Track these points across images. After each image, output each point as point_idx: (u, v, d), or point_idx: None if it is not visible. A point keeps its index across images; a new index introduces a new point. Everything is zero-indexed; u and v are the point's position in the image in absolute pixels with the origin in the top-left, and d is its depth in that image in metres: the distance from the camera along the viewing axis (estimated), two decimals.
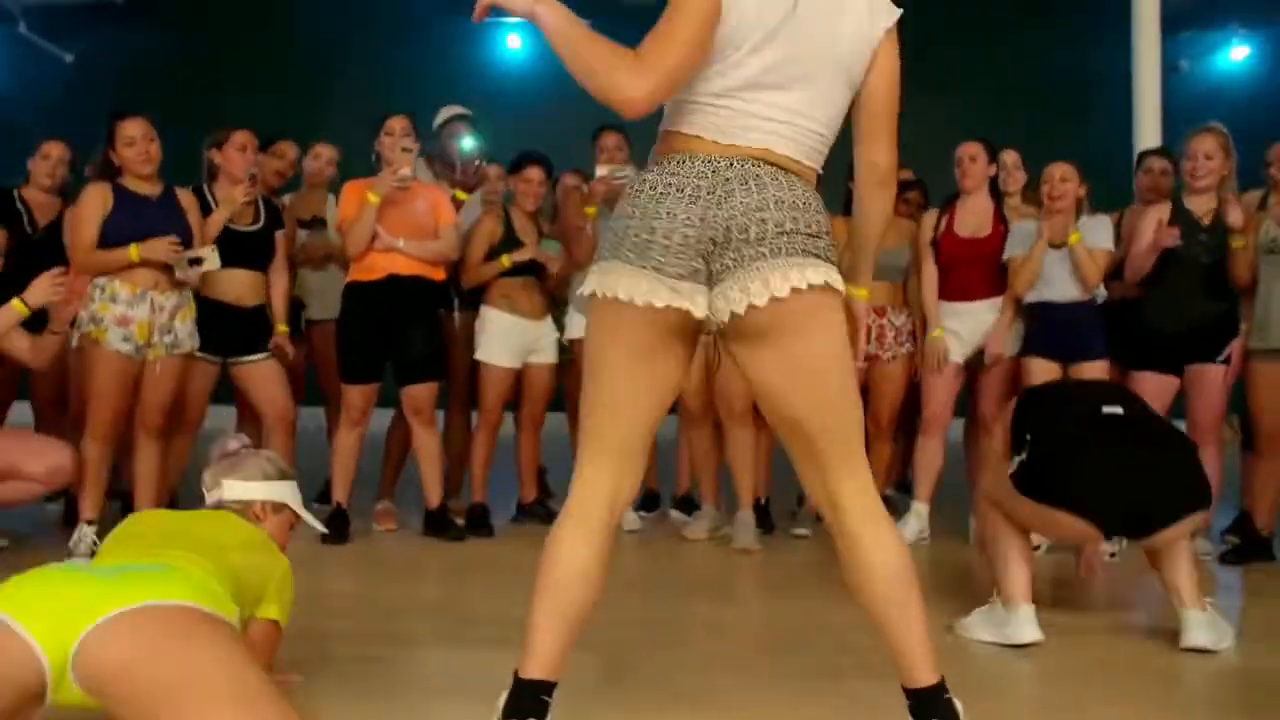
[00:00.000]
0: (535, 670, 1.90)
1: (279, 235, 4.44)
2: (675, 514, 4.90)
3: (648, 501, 5.03)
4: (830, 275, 1.89)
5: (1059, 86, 8.12)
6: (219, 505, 2.42)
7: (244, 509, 2.42)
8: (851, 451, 1.95)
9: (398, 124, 4.30)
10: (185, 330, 4.00)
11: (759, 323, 1.87)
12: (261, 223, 4.36)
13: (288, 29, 9.20)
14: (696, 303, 1.88)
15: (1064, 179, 4.26)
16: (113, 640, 1.72)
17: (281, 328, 4.41)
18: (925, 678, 1.92)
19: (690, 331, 1.95)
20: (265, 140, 4.65)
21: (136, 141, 3.96)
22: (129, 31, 9.11)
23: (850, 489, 1.94)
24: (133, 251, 3.85)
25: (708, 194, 1.88)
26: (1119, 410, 3.02)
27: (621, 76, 1.82)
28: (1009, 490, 3.02)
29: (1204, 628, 2.91)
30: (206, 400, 4.34)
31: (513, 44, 9.87)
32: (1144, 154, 4.86)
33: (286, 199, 4.91)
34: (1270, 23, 9.45)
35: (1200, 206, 4.22)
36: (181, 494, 4.37)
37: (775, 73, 1.91)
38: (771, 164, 1.92)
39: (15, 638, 1.70)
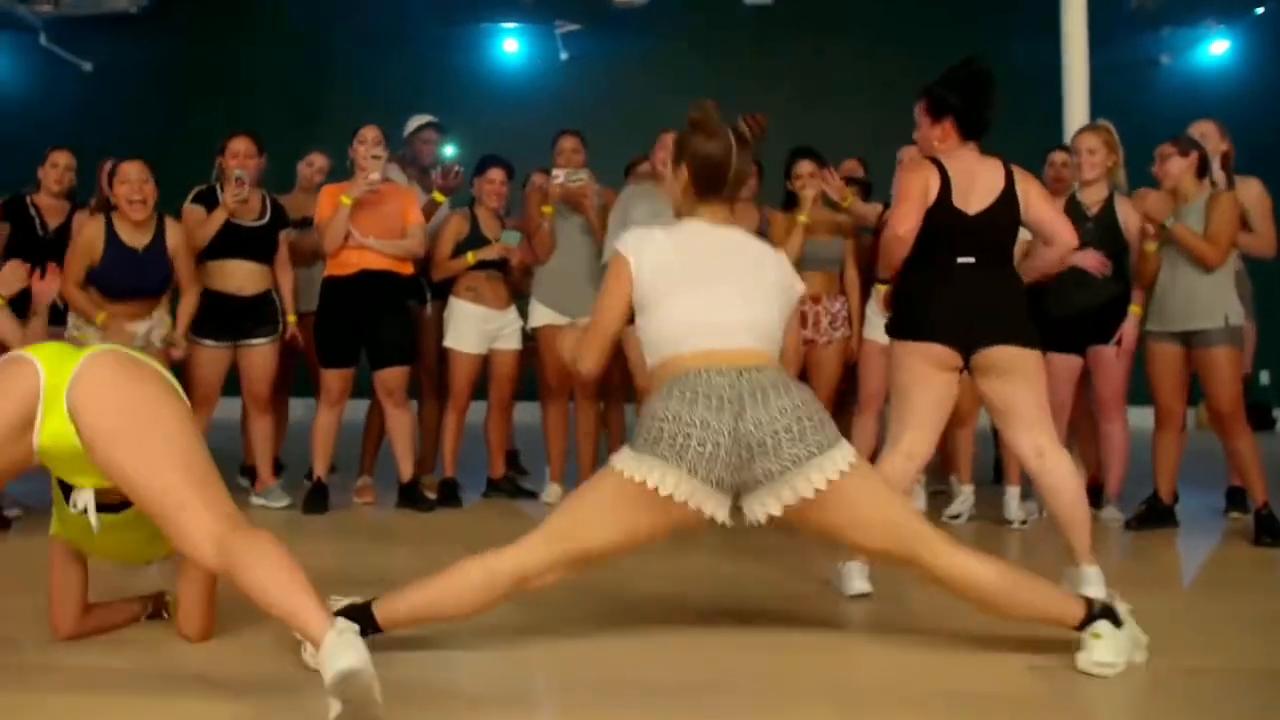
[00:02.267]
0: None
1: (283, 233, 4.87)
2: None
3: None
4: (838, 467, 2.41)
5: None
6: None
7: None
8: None
9: (369, 133, 4.73)
10: (163, 336, 4.46)
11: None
12: (266, 219, 4.78)
13: (293, 38, 9.62)
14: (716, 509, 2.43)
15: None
16: (105, 367, 2.23)
17: (291, 317, 4.85)
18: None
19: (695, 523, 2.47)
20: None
21: (130, 181, 4.36)
22: (144, 41, 9.54)
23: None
24: (100, 318, 4.36)
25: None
26: (971, 260, 3.27)
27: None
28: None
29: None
30: (218, 385, 4.72)
31: (509, 48, 10.24)
32: (1050, 149, 5.21)
33: (281, 199, 5.33)
34: (1249, 17, 9.69)
35: (1089, 198, 4.58)
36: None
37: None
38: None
39: (30, 365, 2.23)
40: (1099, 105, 5.43)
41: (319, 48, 9.55)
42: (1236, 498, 4.76)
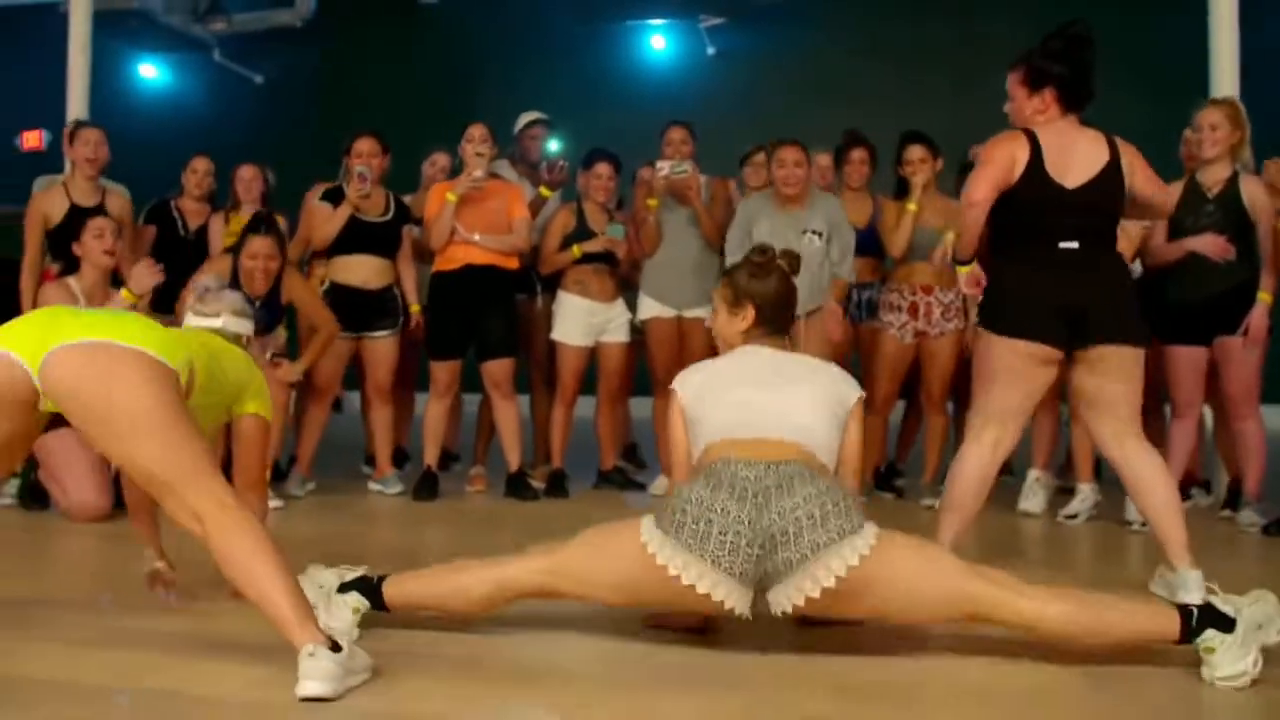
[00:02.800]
0: None
1: (406, 229, 5.04)
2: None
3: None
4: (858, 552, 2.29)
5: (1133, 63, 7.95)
6: (210, 330, 2.95)
7: (231, 335, 2.97)
8: None
9: (476, 131, 4.85)
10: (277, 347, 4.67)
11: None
12: (390, 215, 4.97)
13: (445, 44, 9.96)
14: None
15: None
16: (68, 361, 2.24)
17: (414, 307, 5.02)
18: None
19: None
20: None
21: (258, 257, 4.41)
22: (309, 53, 10.07)
23: None
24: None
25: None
26: (1074, 245, 3.06)
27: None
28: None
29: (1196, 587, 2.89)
30: (339, 375, 4.96)
31: (657, 44, 10.29)
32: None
33: (407, 198, 5.52)
34: None
35: (1209, 178, 4.25)
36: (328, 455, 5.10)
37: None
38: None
39: (7, 360, 2.26)
40: (1249, 90, 5.04)
41: (469, 53, 9.85)
42: None
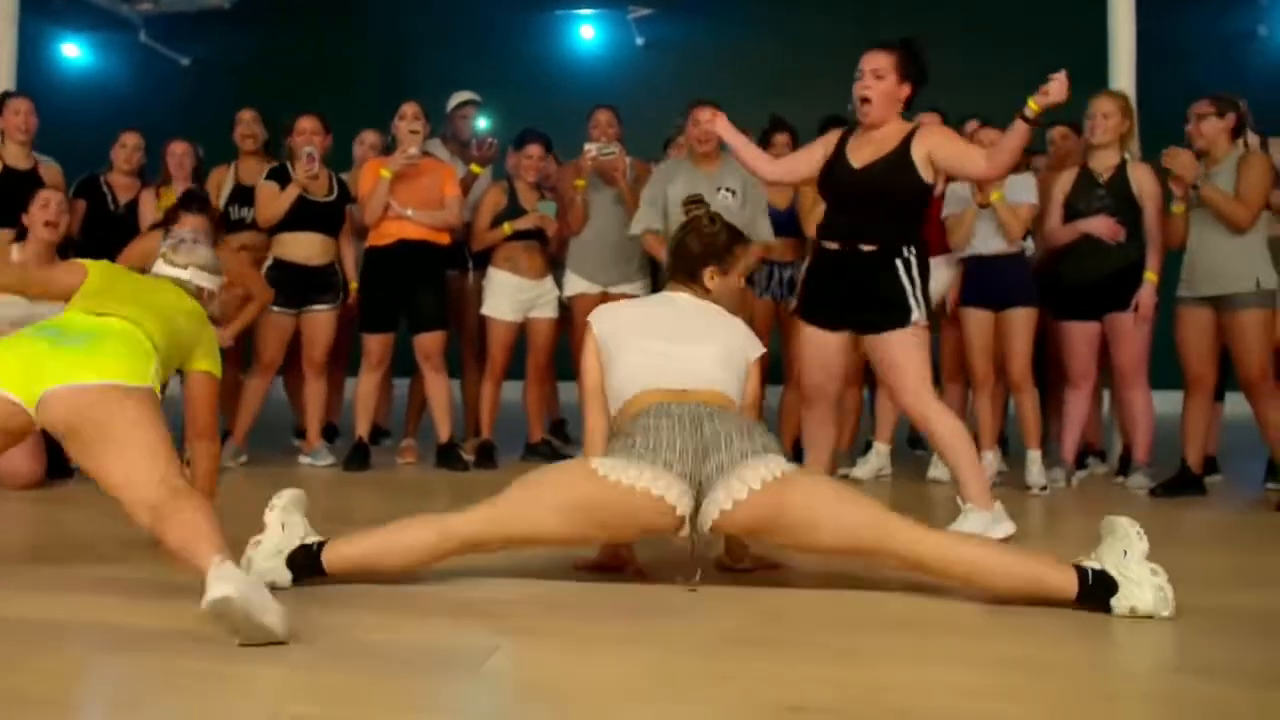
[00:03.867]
0: None
1: (349, 208, 5.14)
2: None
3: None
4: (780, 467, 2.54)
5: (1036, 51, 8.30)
6: (176, 280, 3.19)
7: (194, 288, 3.19)
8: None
9: (409, 109, 4.97)
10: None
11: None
12: (335, 195, 5.06)
13: (375, 29, 9.96)
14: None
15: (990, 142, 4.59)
16: (62, 401, 2.58)
17: (353, 284, 5.12)
18: None
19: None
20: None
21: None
22: (237, 35, 10.00)
23: None
24: None
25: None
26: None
27: None
28: None
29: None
30: (282, 349, 5.02)
31: (586, 34, 10.42)
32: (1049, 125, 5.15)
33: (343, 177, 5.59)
34: None
35: (1101, 164, 4.55)
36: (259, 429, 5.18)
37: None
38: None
39: (6, 400, 2.59)
40: (1190, 78, 5.32)
41: (399, 37, 9.86)
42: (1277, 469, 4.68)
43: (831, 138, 3.67)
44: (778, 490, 2.49)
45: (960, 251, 4.71)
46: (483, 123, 5.46)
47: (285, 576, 2.56)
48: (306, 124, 5.01)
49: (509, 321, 5.13)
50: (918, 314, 3.42)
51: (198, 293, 3.19)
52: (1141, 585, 2.42)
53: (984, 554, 2.53)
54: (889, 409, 4.96)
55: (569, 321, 5.31)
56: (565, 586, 2.71)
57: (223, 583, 2.09)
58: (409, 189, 4.91)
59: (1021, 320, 4.58)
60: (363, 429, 5.02)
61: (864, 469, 4.88)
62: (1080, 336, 4.58)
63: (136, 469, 2.50)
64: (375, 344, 5.00)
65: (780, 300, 5.25)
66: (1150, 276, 4.50)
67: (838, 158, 3.57)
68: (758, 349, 2.91)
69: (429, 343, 4.99)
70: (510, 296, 5.12)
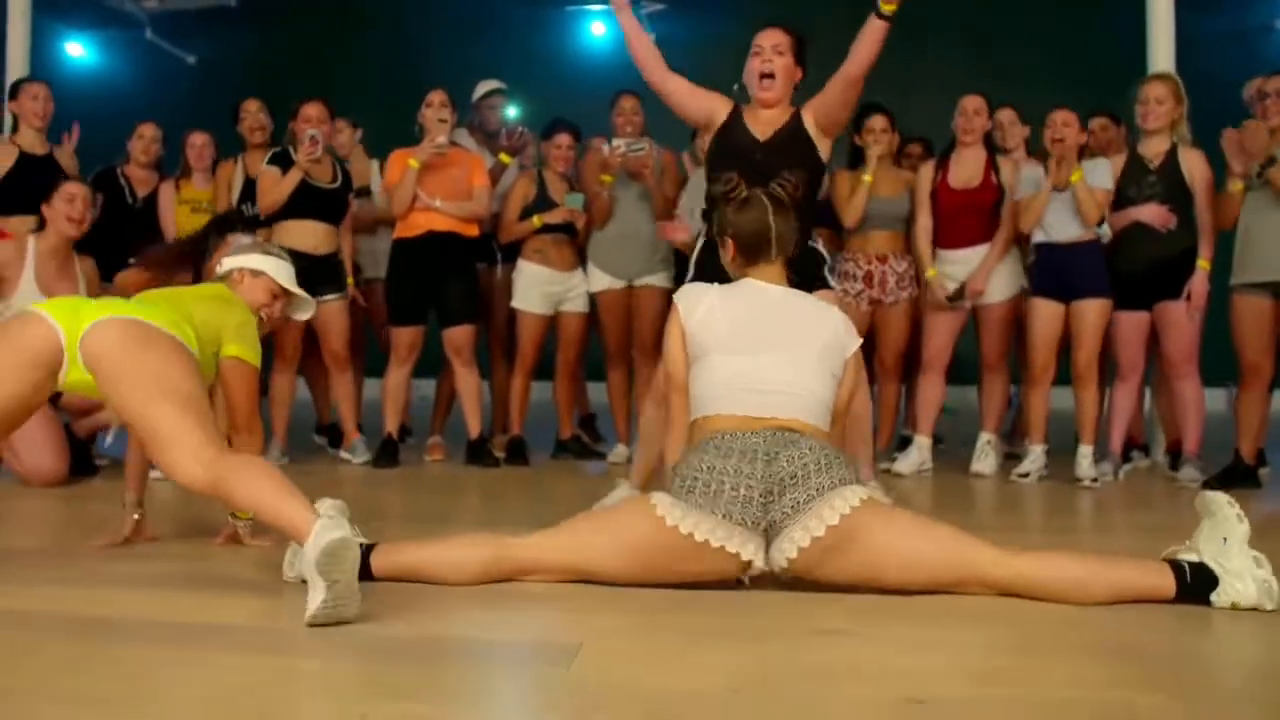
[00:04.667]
0: None
1: (351, 197, 4.99)
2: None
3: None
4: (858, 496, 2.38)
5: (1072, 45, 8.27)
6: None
7: (227, 276, 3.04)
8: None
9: (436, 97, 4.84)
10: None
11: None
12: (339, 183, 4.91)
13: (385, 24, 9.85)
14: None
15: (1065, 124, 4.44)
16: (109, 331, 2.47)
17: (350, 280, 4.97)
18: None
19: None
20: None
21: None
22: (243, 32, 9.88)
23: None
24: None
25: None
26: None
27: None
28: None
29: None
30: (297, 340, 4.84)
31: (597, 31, 10.32)
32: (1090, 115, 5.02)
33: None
34: None
35: (1151, 150, 4.45)
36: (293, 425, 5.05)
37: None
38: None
39: (45, 322, 2.48)
40: (1206, 72, 5.23)
41: (409, 33, 9.75)
42: None
43: (724, 103, 3.55)
44: (854, 523, 2.35)
45: (1032, 236, 4.57)
46: (513, 111, 5.32)
47: None
48: (312, 110, 4.87)
49: (540, 314, 5.01)
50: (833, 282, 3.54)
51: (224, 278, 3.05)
52: (1243, 577, 2.31)
53: (1076, 567, 2.38)
54: (928, 403, 4.85)
55: (593, 318, 5.17)
56: (630, 590, 2.57)
57: (338, 530, 2.04)
58: (437, 179, 4.78)
59: (1095, 312, 4.43)
60: (391, 425, 4.89)
61: (905, 463, 4.75)
62: (1131, 326, 4.47)
63: (187, 417, 2.36)
64: (404, 336, 4.86)
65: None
66: (1203, 264, 4.39)
67: (735, 123, 3.49)
68: (855, 341, 2.72)
69: (459, 336, 4.86)
70: (541, 289, 4.99)
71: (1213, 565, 2.34)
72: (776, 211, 2.72)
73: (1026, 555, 2.39)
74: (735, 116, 3.51)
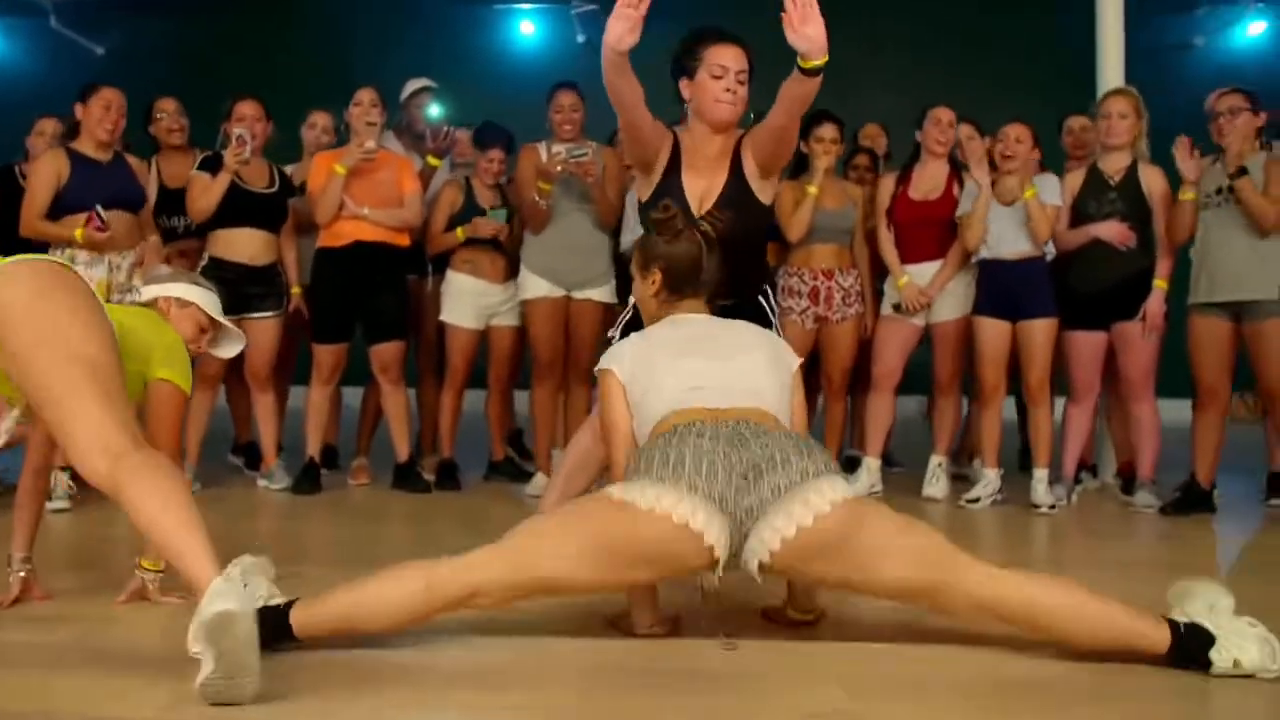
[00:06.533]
0: None
1: (291, 201, 4.67)
2: None
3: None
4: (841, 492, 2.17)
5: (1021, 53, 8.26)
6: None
7: (151, 304, 2.72)
8: None
9: (365, 95, 4.54)
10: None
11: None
12: (276, 187, 4.60)
13: (307, 18, 9.47)
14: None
15: (1018, 140, 4.34)
16: (19, 270, 2.17)
17: (296, 289, 4.67)
18: None
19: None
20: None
21: (112, 108, 4.35)
22: (155, 23, 9.42)
23: None
24: (77, 234, 4.16)
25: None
26: None
27: None
28: None
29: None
30: (222, 361, 4.48)
31: (525, 30, 10.06)
32: (1064, 116, 4.97)
33: (289, 169, 4.99)
34: None
35: (1112, 165, 4.34)
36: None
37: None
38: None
39: None
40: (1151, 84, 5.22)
41: (334, 28, 9.40)
42: (1278, 484, 4.49)
43: (667, 140, 2.96)
44: (846, 515, 2.14)
45: (974, 254, 4.44)
46: (435, 110, 5.01)
47: None
48: (247, 109, 4.58)
49: (470, 329, 4.72)
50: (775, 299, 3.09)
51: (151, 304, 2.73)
52: (1243, 636, 2.14)
53: (1066, 597, 2.20)
54: (878, 423, 4.69)
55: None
56: (577, 646, 2.32)
57: (229, 598, 1.76)
58: (365, 185, 4.47)
59: (1042, 333, 4.30)
60: (314, 448, 4.58)
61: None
62: (1087, 346, 4.35)
63: (103, 395, 2.05)
64: (327, 355, 4.55)
65: None
66: (1160, 284, 4.29)
67: (672, 179, 2.91)
68: (795, 359, 2.56)
69: (387, 353, 4.56)
70: (471, 302, 4.71)
71: (1207, 625, 2.17)
72: (709, 248, 2.58)
73: (1014, 573, 2.23)
74: (674, 167, 2.94)
